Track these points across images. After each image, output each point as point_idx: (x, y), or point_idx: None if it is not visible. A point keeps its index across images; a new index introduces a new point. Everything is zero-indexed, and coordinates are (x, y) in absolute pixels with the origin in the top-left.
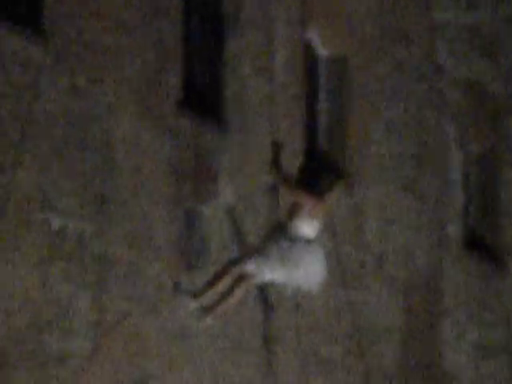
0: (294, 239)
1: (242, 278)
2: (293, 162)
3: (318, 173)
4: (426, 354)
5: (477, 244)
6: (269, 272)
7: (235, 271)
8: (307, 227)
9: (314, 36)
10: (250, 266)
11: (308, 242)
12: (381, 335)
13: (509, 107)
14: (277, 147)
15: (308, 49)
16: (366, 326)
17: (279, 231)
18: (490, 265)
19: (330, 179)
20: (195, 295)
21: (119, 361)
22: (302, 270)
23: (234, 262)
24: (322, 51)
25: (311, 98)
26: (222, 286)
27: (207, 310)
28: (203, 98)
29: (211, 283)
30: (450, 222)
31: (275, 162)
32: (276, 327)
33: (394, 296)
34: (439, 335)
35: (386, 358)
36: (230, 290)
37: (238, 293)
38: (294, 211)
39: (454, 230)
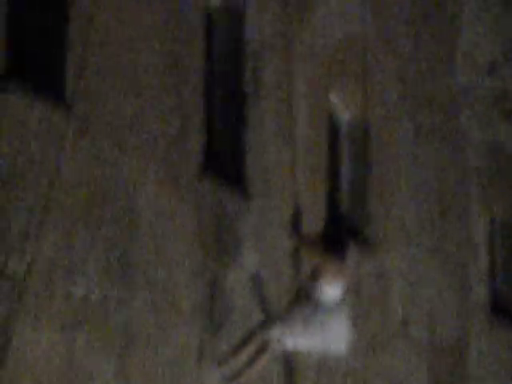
0: (317, 304)
1: (266, 344)
2: (315, 226)
3: (340, 237)
4: None
5: (503, 309)
6: (293, 338)
7: (259, 338)
8: (330, 291)
9: (336, 100)
10: (274, 333)
11: (332, 305)
12: None
13: None
14: (297, 212)
15: (330, 112)
16: None
17: (303, 296)
18: None
19: (352, 243)
20: (220, 363)
21: None
22: (326, 335)
23: (258, 329)
24: (345, 115)
25: (333, 161)
26: (246, 352)
27: (232, 377)
28: (225, 163)
29: (236, 350)
30: (476, 286)
31: (296, 228)
32: None
33: (419, 360)
34: None
35: None
36: (254, 357)
37: (262, 360)
38: (316, 275)
39: (480, 295)
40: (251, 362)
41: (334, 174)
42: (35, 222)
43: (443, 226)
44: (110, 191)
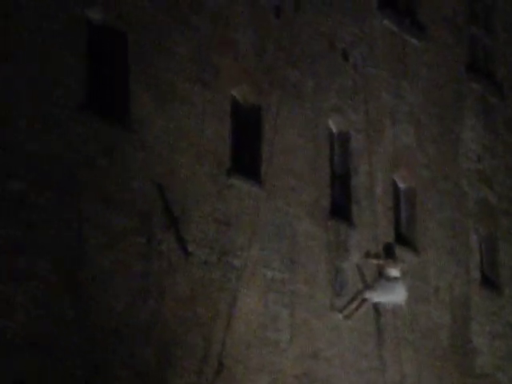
0: (388, 279)
1: (364, 300)
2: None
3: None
4: None
5: (488, 282)
6: (377, 295)
7: (361, 296)
8: (394, 272)
9: (396, 177)
10: (367, 293)
11: (395, 279)
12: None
13: None
14: (388, 244)
15: (394, 183)
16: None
17: (380, 275)
18: None
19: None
20: (341, 309)
21: (304, 342)
22: (392, 293)
23: (360, 291)
24: (402, 184)
25: (396, 209)
26: (354, 304)
27: (348, 316)
28: (342, 210)
29: (349, 303)
30: (473, 270)
31: (369, 252)
32: (386, 328)
33: (443, 309)
34: None
35: None
36: (358, 306)
37: (363, 307)
38: (386, 266)
39: (475, 274)
40: (357, 308)
41: (397, 215)
42: (247, 242)
43: (454, 238)
44: (282, 226)
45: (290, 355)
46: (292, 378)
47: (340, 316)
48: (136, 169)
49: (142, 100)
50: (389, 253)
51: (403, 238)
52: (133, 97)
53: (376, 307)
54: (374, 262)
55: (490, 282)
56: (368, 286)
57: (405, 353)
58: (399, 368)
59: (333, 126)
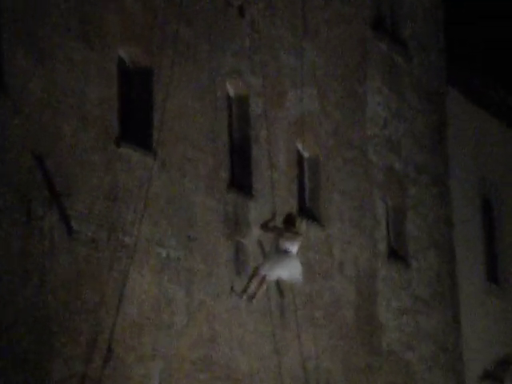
0: (280, 252)
1: (263, 277)
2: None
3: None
4: None
5: (395, 255)
6: (269, 271)
7: (257, 272)
8: (290, 246)
9: (301, 146)
10: (261, 269)
11: (288, 253)
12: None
13: None
14: (272, 215)
15: (297, 153)
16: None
17: (275, 250)
18: None
19: (308, 221)
20: (242, 290)
21: (201, 325)
22: (286, 269)
23: (256, 268)
24: (305, 153)
25: (299, 176)
26: (255, 283)
27: (251, 297)
28: (238, 179)
29: (249, 282)
30: (379, 242)
31: (267, 223)
32: (288, 307)
33: (349, 284)
34: None
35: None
36: (259, 285)
37: (263, 286)
38: (279, 239)
39: (382, 247)
40: (258, 288)
41: (301, 185)
42: (139, 217)
43: (360, 209)
44: (177, 199)
45: (186, 339)
46: (188, 364)
47: (243, 298)
48: (12, 137)
49: (15, 58)
50: (289, 224)
51: (307, 211)
52: (5, 54)
53: (278, 286)
54: (272, 234)
55: (397, 254)
56: (264, 262)
57: (308, 333)
58: (302, 350)
59: (230, 89)
